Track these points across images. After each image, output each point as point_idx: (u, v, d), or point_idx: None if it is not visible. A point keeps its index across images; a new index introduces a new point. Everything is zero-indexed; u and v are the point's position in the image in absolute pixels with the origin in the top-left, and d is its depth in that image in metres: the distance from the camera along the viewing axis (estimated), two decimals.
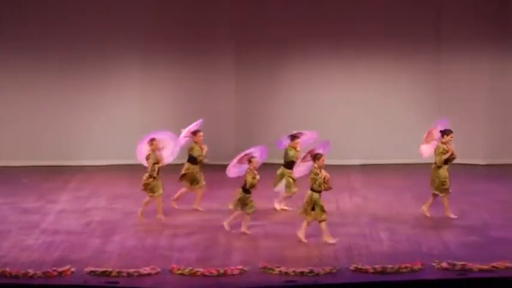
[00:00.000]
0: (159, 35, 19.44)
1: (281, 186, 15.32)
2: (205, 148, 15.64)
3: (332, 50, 19.45)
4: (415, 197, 16.15)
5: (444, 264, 12.38)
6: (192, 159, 15.62)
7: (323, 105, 19.53)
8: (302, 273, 12.17)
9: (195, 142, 15.61)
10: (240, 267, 12.37)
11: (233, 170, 14.29)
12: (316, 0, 19.40)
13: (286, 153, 15.41)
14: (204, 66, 19.55)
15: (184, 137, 15.75)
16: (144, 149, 14.93)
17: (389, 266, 12.30)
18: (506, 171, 18.49)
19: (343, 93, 19.56)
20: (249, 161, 14.09)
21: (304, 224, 13.72)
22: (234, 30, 19.43)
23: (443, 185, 14.68)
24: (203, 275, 12.17)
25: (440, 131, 14.78)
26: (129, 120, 19.68)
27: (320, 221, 13.60)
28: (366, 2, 19.41)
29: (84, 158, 19.62)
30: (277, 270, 12.27)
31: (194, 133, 15.63)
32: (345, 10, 19.41)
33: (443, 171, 14.69)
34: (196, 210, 15.58)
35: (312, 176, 13.60)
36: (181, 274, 12.21)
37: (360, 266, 12.33)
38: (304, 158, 14.10)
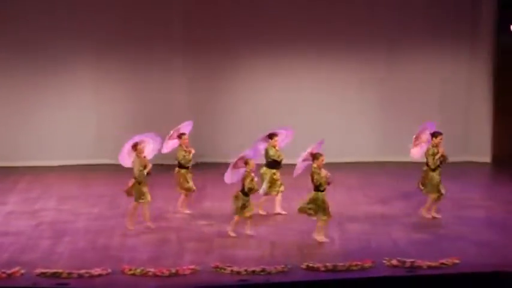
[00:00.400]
0: (110, 35, 19.31)
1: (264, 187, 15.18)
2: (192, 151, 15.33)
3: (282, 49, 19.46)
4: (367, 195, 16.28)
5: (394, 262, 12.49)
6: (179, 163, 15.38)
7: (275, 104, 19.59)
8: (254, 272, 12.18)
9: (180, 145, 15.35)
10: (191, 267, 12.35)
11: (230, 176, 14.08)
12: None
13: (266, 153, 15.34)
14: (156, 66, 19.44)
15: (170, 138, 15.52)
16: (127, 154, 14.50)
17: (341, 264, 12.38)
18: (456, 169, 18.68)
19: (294, 92, 19.62)
20: (246, 164, 13.87)
21: (320, 224, 13.63)
22: (185, 30, 19.36)
23: (437, 188, 14.73)
24: (155, 275, 12.14)
25: (430, 134, 14.83)
26: (80, 120, 19.53)
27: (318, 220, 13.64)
28: (316, 1, 19.49)
29: (34, 159, 19.42)
30: (229, 269, 12.27)
31: (179, 136, 15.37)
32: (296, 9, 19.45)
33: (436, 175, 14.72)
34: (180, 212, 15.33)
35: (315, 176, 13.58)
36: (133, 274, 12.17)
37: (311, 265, 12.39)
38: (305, 158, 13.99)
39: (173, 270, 12.22)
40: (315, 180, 13.58)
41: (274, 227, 14.49)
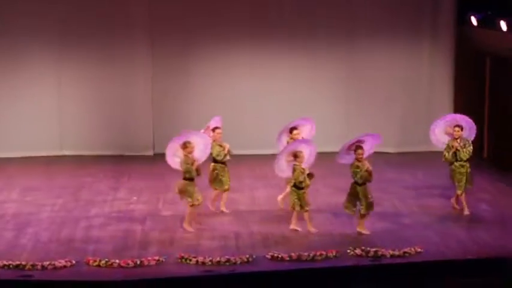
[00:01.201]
0: (74, 27, 19.11)
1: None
2: (226, 146, 14.68)
3: (247, 41, 19.41)
4: (329, 186, 16.32)
5: (358, 251, 12.56)
6: (214, 159, 14.78)
7: (239, 95, 19.53)
8: (219, 262, 12.19)
9: (214, 140, 14.58)
10: (156, 258, 12.32)
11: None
12: None
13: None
14: (120, 58, 19.26)
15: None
16: (174, 153, 13.77)
17: (305, 253, 12.41)
18: (416, 159, 18.85)
19: (258, 84, 19.58)
20: (296, 156, 13.57)
21: (360, 216, 13.59)
22: (150, 22, 19.23)
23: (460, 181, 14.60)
24: (119, 266, 12.09)
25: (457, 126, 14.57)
26: (43, 112, 19.35)
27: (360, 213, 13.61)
28: None
29: None
30: (194, 260, 12.25)
31: (212, 130, 14.65)
32: (263, 1, 19.46)
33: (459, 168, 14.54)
34: (222, 212, 14.77)
35: (353, 169, 13.51)
36: (98, 266, 12.11)
37: (276, 254, 12.41)
38: (349, 147, 13.68)
39: (138, 262, 12.18)
40: (353, 172, 13.45)
41: (239, 218, 14.47)
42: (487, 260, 12.38)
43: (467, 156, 14.51)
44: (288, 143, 14.57)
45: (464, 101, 19.75)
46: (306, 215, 13.69)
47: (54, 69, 19.31)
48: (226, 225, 14.10)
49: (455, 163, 14.54)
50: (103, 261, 12.18)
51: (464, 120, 14.73)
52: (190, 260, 12.27)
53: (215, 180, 14.77)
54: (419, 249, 12.68)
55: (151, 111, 19.49)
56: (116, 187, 16.53)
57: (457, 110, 19.73)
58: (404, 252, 12.56)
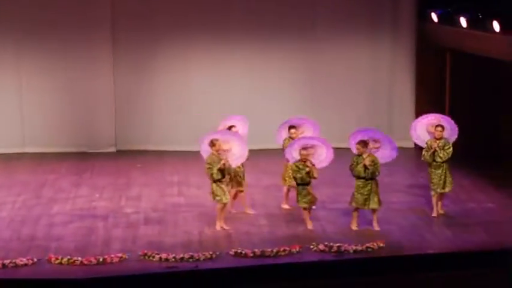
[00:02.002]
0: (35, 22, 18.85)
1: None
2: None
3: (209, 37, 19.32)
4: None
5: (321, 247, 12.58)
6: None
7: (200, 91, 19.46)
8: (182, 259, 12.14)
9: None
10: (119, 255, 12.24)
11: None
12: None
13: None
14: (82, 55, 19.06)
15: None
16: (205, 149, 13.50)
17: (269, 249, 12.40)
18: None
19: (217, 79, 19.49)
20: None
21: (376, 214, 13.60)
22: (112, 18, 19.05)
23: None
24: (82, 263, 11.98)
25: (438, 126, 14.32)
26: (4, 109, 19.09)
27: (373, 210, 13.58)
28: None
29: None
30: (157, 257, 12.20)
31: (229, 129, 14.31)
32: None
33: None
34: (245, 213, 14.43)
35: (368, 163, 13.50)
36: (60, 264, 11.98)
37: (239, 251, 12.38)
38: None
39: (101, 259, 12.08)
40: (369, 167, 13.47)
41: (203, 214, 14.41)
42: (448, 255, 12.47)
43: (445, 158, 14.25)
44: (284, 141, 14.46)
45: (426, 95, 19.82)
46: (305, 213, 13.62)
47: (15, 66, 19.04)
48: (190, 221, 14.02)
49: (433, 163, 14.38)
50: (65, 259, 12.05)
51: (447, 121, 14.53)
52: (153, 257, 12.21)
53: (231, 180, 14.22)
54: (381, 244, 12.73)
55: (114, 107, 19.31)
56: (78, 184, 16.38)
57: (418, 104, 19.84)
58: (367, 247, 12.60)
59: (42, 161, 18.42)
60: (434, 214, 14.34)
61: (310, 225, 13.59)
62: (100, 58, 19.16)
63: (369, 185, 13.54)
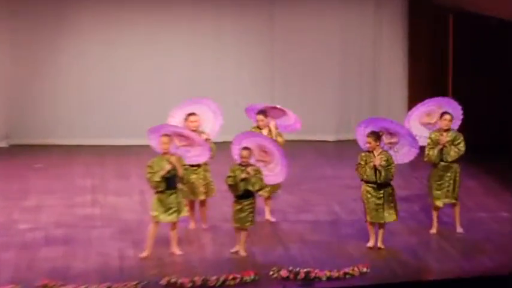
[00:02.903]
0: None
1: None
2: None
3: (126, 13, 19.68)
4: None
5: (284, 273, 12.55)
6: None
7: (124, 69, 19.75)
8: None
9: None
10: (10, 286, 12.11)
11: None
12: None
13: None
14: None
15: None
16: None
17: (213, 277, 12.37)
18: (356, 149, 18.87)
19: (152, 55, 19.81)
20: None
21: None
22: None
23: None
24: None
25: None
26: None
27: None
28: None
29: None
30: None
31: (187, 118, 14.34)
32: None
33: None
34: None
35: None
36: None
37: (173, 280, 12.32)
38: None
39: None
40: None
41: (124, 231, 14.39)
42: (452, 282, 12.45)
43: (457, 156, 14.15)
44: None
45: (422, 71, 19.95)
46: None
47: None
48: (107, 240, 13.96)
49: (440, 164, 14.25)
50: None
51: (452, 105, 14.48)
52: None
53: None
54: (364, 269, 12.72)
55: (7, 91, 19.51)
56: None
57: (412, 84, 19.98)
58: (345, 273, 12.59)
59: None
60: (433, 230, 14.41)
61: (242, 251, 13.44)
62: None
63: (382, 192, 13.47)
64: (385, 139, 13.73)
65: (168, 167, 13.18)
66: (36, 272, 12.68)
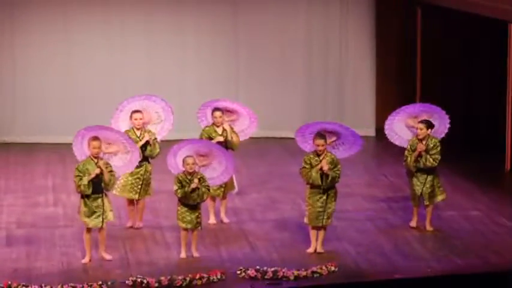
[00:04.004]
0: None
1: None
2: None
3: (84, 8, 19.63)
4: None
5: (251, 272, 12.62)
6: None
7: (84, 62, 19.75)
8: None
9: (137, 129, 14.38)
10: None
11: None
12: None
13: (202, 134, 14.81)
14: None
15: None
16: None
17: (180, 277, 12.41)
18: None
19: (108, 47, 19.76)
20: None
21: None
22: None
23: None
24: None
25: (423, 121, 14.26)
26: None
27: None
28: None
29: None
30: None
31: (131, 116, 14.40)
32: None
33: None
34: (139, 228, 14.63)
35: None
36: None
37: (139, 279, 12.35)
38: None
39: None
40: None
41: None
42: (421, 280, 12.67)
43: (430, 165, 14.23)
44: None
45: (390, 64, 20.03)
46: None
47: None
48: (71, 240, 13.95)
49: (418, 170, 14.30)
50: None
51: (433, 110, 14.50)
52: None
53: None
54: (332, 268, 12.81)
55: None
56: None
57: (380, 77, 20.04)
58: (313, 272, 12.67)
59: None
60: (412, 224, 14.51)
61: (183, 254, 13.46)
62: None
63: (324, 196, 13.47)
64: (328, 139, 13.57)
65: (97, 170, 13.22)
66: None
